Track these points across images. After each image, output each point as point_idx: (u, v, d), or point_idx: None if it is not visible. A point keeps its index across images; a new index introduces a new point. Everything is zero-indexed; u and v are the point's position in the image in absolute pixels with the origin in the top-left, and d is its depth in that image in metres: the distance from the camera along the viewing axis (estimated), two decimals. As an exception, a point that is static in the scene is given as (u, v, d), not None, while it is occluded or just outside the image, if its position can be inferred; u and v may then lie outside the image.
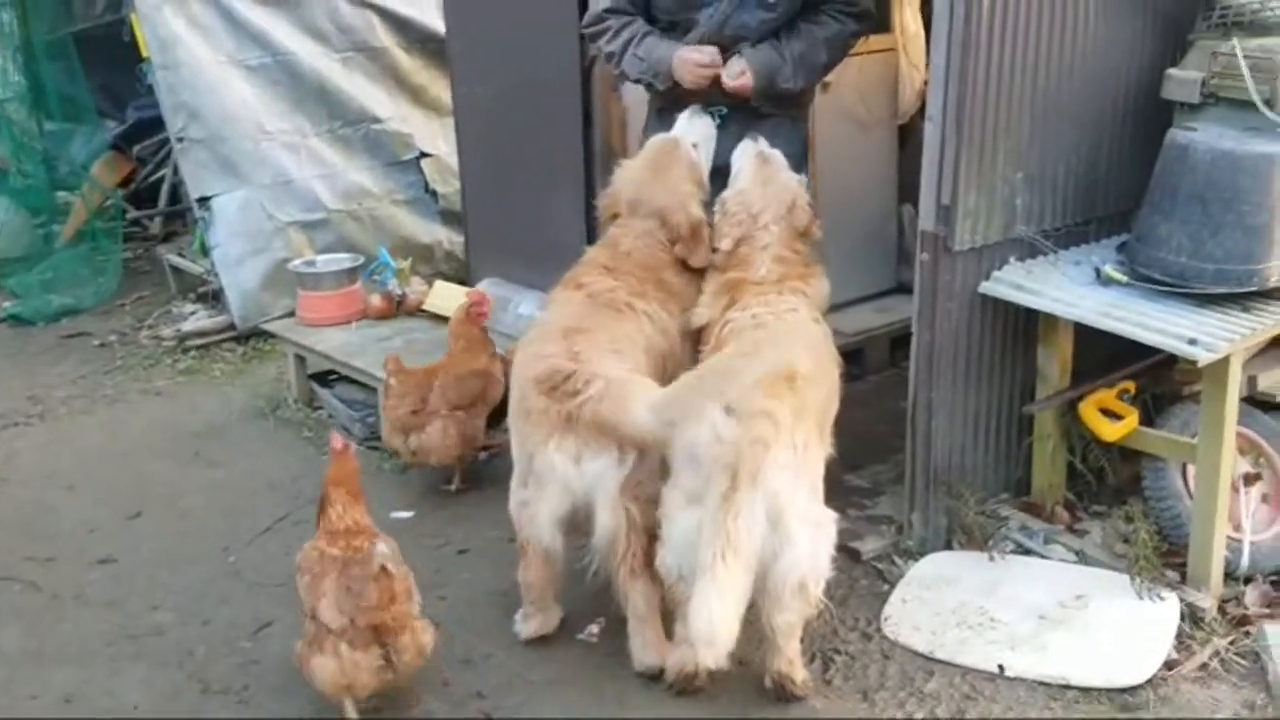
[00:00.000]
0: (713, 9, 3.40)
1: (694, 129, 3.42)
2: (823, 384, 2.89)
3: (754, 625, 2.73)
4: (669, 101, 3.54)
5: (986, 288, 3.25)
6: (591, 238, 4.47)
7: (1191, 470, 3.14)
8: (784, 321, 3.00)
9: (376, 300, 4.86)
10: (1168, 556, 3.12)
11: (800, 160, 3.65)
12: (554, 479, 2.86)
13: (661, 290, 3.22)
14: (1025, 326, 3.36)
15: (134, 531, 3.79)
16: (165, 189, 6.79)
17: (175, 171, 6.66)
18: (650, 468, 2.86)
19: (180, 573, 3.52)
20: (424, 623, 2.83)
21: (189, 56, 5.37)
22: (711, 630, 2.48)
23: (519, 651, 3.07)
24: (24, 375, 5.16)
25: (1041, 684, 2.83)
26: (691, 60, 3.37)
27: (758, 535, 2.59)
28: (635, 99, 4.24)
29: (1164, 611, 2.95)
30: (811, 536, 2.67)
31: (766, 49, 3.41)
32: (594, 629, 3.13)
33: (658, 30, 3.50)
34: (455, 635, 3.15)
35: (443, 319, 4.78)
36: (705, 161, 3.42)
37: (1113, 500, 3.41)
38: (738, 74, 3.37)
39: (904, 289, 5.13)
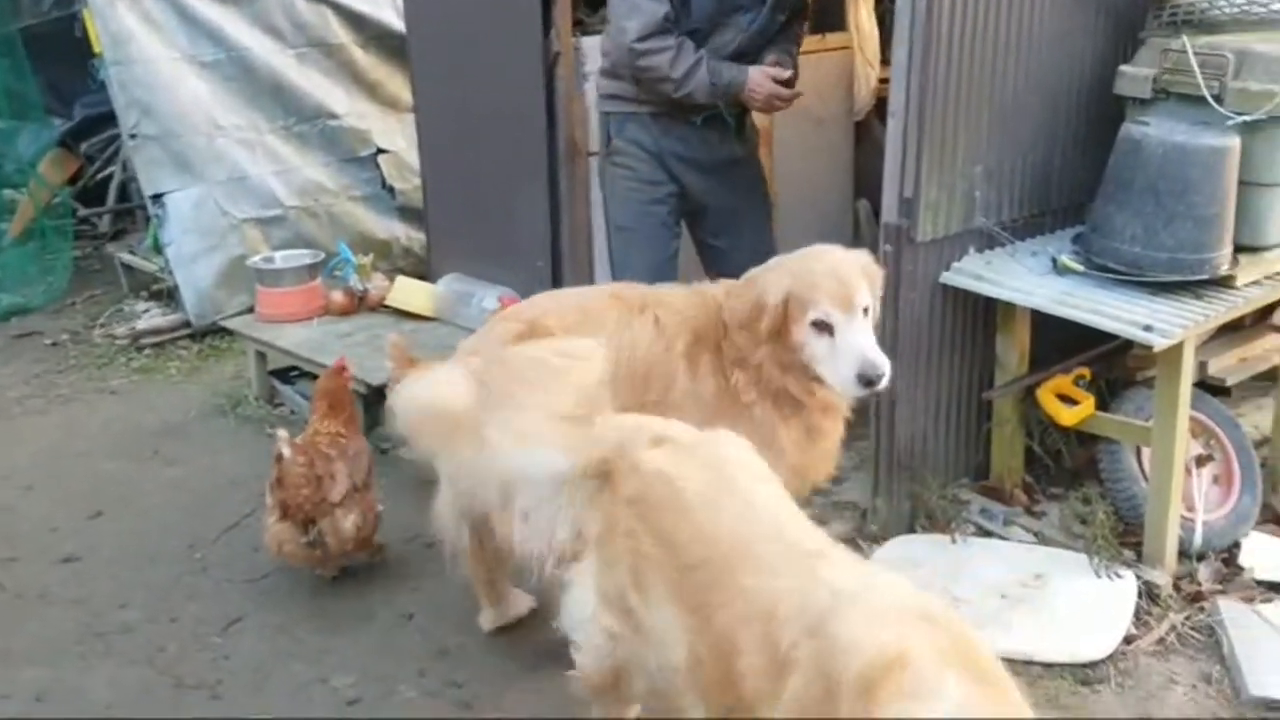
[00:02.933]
0: (752, 15, 3.55)
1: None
2: None
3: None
4: (671, 109, 3.61)
5: (947, 278, 3.33)
6: (556, 234, 4.51)
7: (1146, 453, 3.24)
8: None
9: (338, 296, 4.84)
10: (1124, 536, 3.22)
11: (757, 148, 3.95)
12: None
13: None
14: (984, 316, 3.45)
15: (96, 530, 3.74)
16: (114, 186, 6.71)
17: (124, 169, 6.59)
18: None
19: (145, 570, 3.48)
20: (348, 512, 3.21)
21: (142, 53, 5.32)
22: None
23: (493, 642, 3.09)
24: (-25, 375, 5.08)
25: (1006, 660, 2.89)
26: (770, 76, 3.52)
27: None
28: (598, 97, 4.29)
29: (1122, 589, 3.05)
30: None
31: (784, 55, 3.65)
32: (567, 618, 3.16)
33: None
34: (428, 626, 3.17)
35: (406, 314, 4.79)
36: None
37: (1069, 483, 3.51)
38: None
39: (860, 283, 5.24)
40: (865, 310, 2.79)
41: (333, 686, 2.94)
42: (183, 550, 3.59)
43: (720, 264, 3.69)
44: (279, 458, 3.20)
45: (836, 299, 2.73)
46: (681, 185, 3.70)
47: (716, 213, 3.77)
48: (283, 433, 3.28)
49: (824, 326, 2.73)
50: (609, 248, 3.91)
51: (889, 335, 3.33)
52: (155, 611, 3.28)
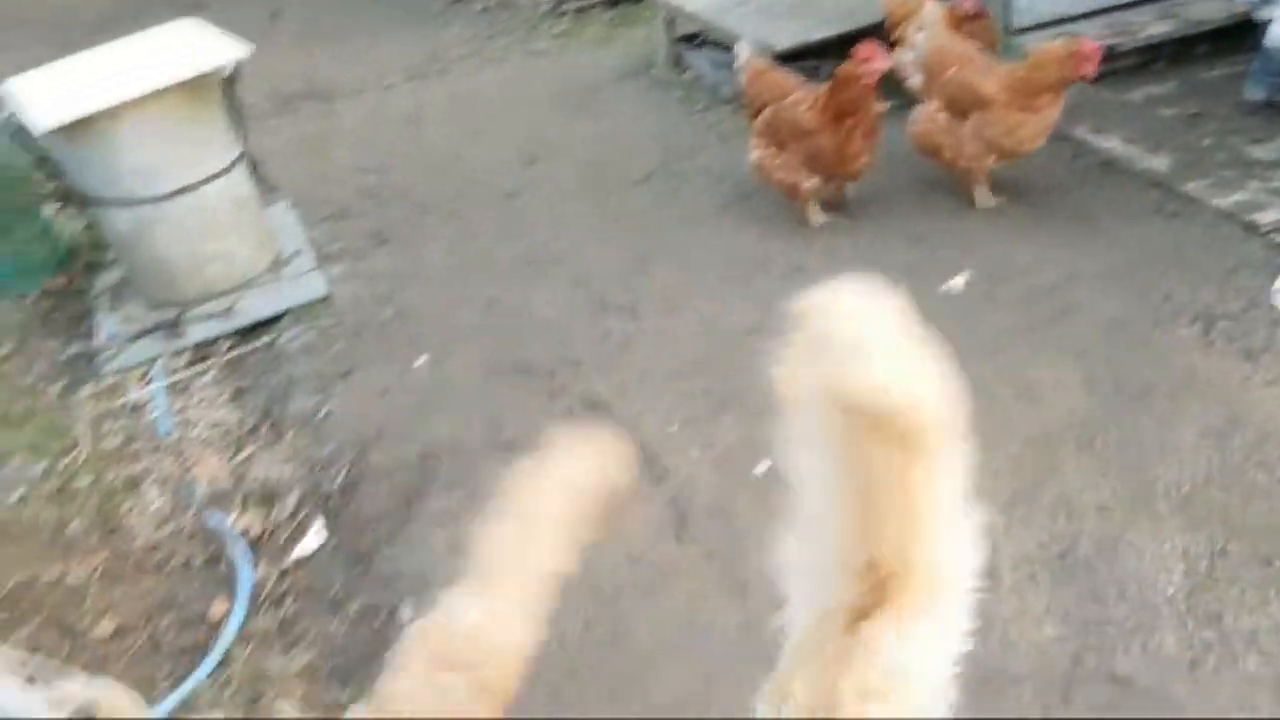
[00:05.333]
0: None
1: None
2: None
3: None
4: None
5: None
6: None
7: None
8: None
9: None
10: None
11: None
12: None
13: None
14: None
15: (532, 174, 4.23)
16: None
17: None
18: None
19: (572, 211, 3.93)
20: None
21: None
22: None
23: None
24: (421, 38, 5.68)
25: None
26: None
27: None
28: None
29: None
30: None
31: None
32: (959, 280, 3.25)
33: None
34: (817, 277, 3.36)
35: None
36: None
37: None
38: None
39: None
40: None
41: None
42: (602, 197, 3.99)
43: None
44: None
45: None
46: None
47: None
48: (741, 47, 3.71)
49: None
50: None
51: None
52: (580, 247, 3.73)
